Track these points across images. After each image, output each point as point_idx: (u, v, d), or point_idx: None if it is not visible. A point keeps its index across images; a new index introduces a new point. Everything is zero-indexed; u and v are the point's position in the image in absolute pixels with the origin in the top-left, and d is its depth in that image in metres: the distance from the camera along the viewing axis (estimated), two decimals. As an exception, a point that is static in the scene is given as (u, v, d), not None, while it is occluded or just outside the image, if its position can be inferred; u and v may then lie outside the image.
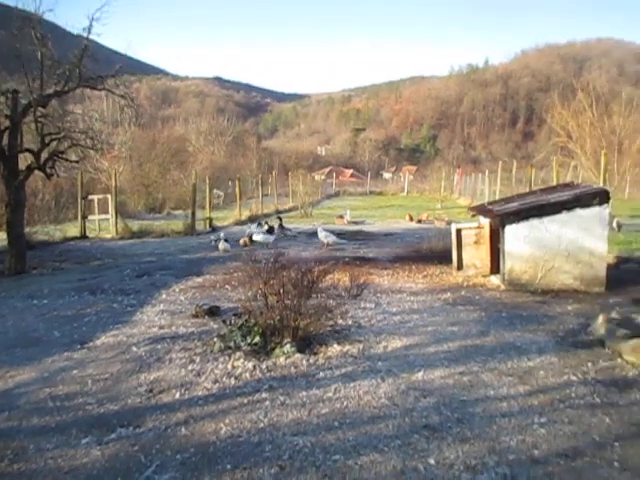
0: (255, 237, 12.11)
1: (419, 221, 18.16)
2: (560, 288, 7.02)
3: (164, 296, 7.40)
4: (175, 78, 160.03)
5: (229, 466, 3.01)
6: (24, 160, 10.62)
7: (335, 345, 4.95)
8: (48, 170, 10.58)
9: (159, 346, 5.16)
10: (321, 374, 4.31)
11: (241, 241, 12.14)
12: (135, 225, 16.36)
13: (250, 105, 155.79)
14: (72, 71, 9.95)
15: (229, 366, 4.53)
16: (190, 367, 4.56)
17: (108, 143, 17.58)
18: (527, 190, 13.83)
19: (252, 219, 19.24)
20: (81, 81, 10.16)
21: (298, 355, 4.68)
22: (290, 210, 24.86)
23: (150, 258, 11.01)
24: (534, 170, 16.06)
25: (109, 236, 15.22)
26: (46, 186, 19.18)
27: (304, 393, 3.95)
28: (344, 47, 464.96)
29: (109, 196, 16.15)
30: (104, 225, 16.28)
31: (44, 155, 10.44)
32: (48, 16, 10.27)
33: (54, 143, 10.60)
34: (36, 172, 10.77)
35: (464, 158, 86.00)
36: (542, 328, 5.45)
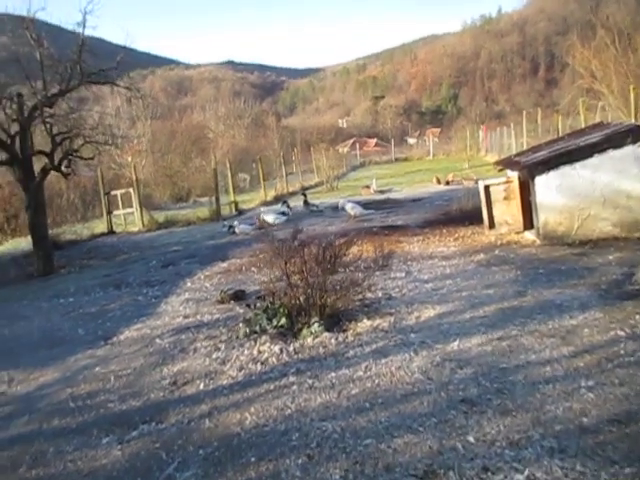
0: (264, 217, 11.87)
1: (447, 183, 17.66)
2: (599, 237, 6.61)
3: (189, 284, 7.31)
4: (188, 67, 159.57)
5: (254, 459, 2.84)
6: (40, 162, 10.62)
7: (365, 320, 4.73)
8: (64, 169, 10.58)
9: (183, 336, 5.05)
10: (351, 352, 4.10)
11: (258, 223, 11.95)
12: (161, 216, 16.34)
13: (266, 85, 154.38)
14: (73, 68, 9.90)
15: (255, 351, 4.37)
16: (215, 355, 4.42)
17: (126, 137, 17.51)
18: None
19: (278, 198, 19.08)
20: (84, 77, 10.08)
21: (326, 334, 4.48)
22: (316, 186, 24.60)
23: (176, 247, 10.96)
24: (560, 117, 15.26)
25: (136, 229, 15.25)
26: (69, 187, 19.35)
27: (333, 374, 3.75)
28: (352, 16, 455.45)
29: (132, 190, 16.14)
30: (130, 219, 16.31)
31: (58, 155, 10.42)
32: (41, 15, 10.22)
33: (66, 142, 10.57)
34: (57, 173, 10.79)
35: (487, 114, 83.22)
36: (583, 282, 5.09)
